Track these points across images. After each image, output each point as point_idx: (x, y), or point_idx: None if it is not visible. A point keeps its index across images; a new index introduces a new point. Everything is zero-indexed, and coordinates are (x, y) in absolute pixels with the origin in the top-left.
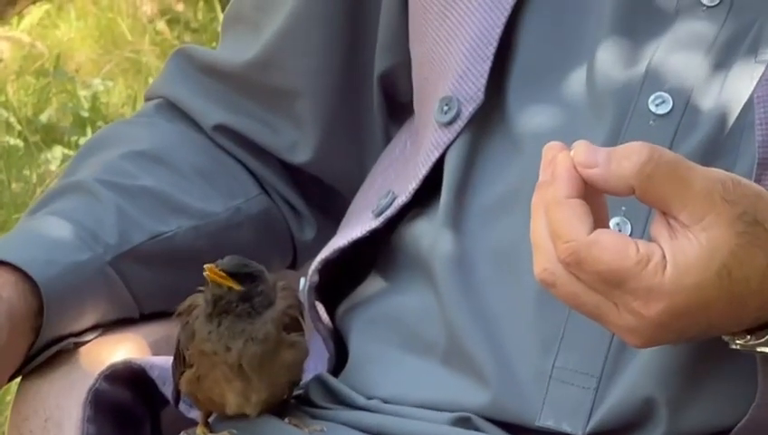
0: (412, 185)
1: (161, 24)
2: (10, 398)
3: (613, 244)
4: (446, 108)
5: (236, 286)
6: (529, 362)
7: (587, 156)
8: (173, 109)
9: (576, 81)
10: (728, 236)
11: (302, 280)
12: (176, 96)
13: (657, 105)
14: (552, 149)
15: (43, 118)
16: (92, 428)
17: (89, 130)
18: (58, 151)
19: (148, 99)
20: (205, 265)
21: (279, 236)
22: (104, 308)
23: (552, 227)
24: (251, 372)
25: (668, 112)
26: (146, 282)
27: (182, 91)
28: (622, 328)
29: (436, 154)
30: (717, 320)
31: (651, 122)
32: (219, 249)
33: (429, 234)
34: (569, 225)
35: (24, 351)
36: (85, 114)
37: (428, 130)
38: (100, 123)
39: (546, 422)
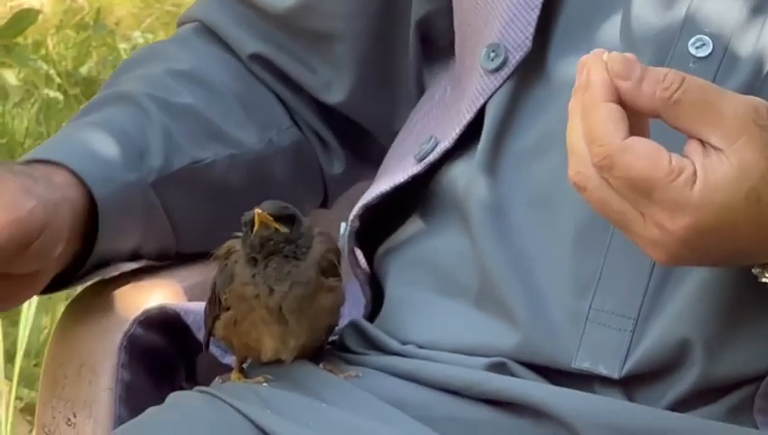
0: (456, 131)
1: None
2: None
3: (647, 152)
4: (492, 54)
5: (282, 228)
6: (564, 304)
7: (624, 66)
8: (210, 33)
9: (615, 25)
10: (759, 160)
11: (343, 225)
12: (213, 21)
13: (697, 48)
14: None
15: (83, 71)
16: (127, 373)
17: None
18: None
19: (182, 23)
20: (255, 209)
21: (309, 169)
22: (143, 232)
23: (588, 130)
24: (289, 315)
25: (708, 55)
26: (183, 208)
27: (219, 17)
28: (646, 240)
29: (482, 100)
30: (743, 245)
31: (691, 65)
32: (252, 182)
33: (466, 177)
34: (604, 128)
35: (70, 255)
36: None
37: (473, 76)
38: None
39: (582, 364)
